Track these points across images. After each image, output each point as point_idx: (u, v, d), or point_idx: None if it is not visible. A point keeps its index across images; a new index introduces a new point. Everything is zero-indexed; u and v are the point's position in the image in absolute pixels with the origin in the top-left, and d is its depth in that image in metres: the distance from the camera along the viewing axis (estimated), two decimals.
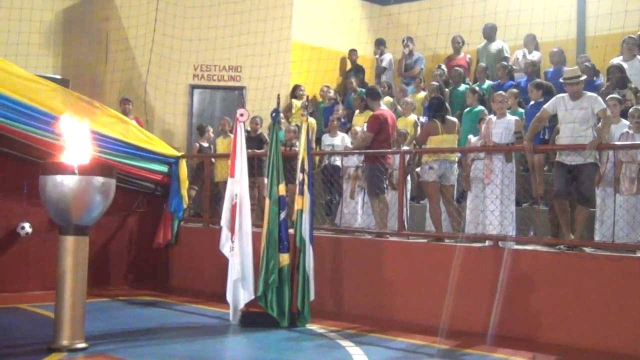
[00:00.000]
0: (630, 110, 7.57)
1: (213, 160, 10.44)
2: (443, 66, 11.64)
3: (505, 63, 10.71)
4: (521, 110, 9.03)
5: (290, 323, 7.21)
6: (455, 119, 8.64)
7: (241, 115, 7.63)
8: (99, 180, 5.83)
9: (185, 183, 10.14)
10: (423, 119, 10.14)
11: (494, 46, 11.55)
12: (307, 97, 8.95)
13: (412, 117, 10.22)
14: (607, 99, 7.70)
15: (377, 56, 13.12)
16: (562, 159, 7.16)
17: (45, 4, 12.89)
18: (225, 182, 8.07)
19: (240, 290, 7.38)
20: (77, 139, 6.04)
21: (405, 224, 8.24)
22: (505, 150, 7.70)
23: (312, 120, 9.38)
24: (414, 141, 9.41)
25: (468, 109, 9.50)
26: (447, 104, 8.74)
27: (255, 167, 9.56)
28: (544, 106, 7.55)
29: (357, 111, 11.19)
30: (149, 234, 9.97)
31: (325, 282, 8.01)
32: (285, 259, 7.31)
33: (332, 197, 9.63)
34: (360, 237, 8.49)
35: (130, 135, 9.62)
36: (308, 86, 12.36)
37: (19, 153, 8.69)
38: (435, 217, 8.16)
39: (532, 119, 7.69)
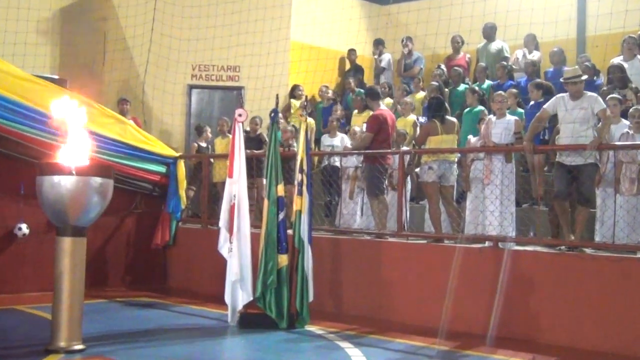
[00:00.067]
0: (631, 110, 7.55)
1: (211, 160, 10.40)
2: (442, 66, 11.63)
3: (505, 63, 10.69)
4: (521, 110, 9.00)
5: (289, 324, 7.18)
6: (454, 119, 8.62)
7: (240, 115, 7.60)
8: (96, 180, 5.82)
9: (183, 184, 10.10)
10: (422, 119, 10.10)
11: (494, 46, 11.53)
12: (306, 97, 8.92)
13: (412, 117, 10.19)
14: (607, 99, 7.67)
15: (376, 56, 13.10)
16: (562, 159, 7.13)
17: (42, 4, 12.87)
18: (223, 183, 8.03)
19: (238, 291, 7.35)
20: (74, 139, 6.01)
21: (405, 225, 8.21)
22: (505, 150, 7.67)
23: (310, 120, 9.36)
24: (414, 141, 9.38)
25: (468, 109, 9.48)
26: (446, 104, 8.71)
27: (254, 168, 9.54)
28: (544, 106, 7.52)
29: (355, 111, 11.17)
30: (147, 235, 9.93)
31: (324, 283, 7.98)
32: (283, 260, 7.28)
33: (331, 198, 9.60)
34: (359, 238, 8.46)
35: (128, 136, 9.58)
36: (307, 86, 12.34)
37: (15, 153, 8.64)
38: (435, 217, 8.13)
39: (532, 119, 7.67)
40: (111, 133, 9.30)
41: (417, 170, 8.61)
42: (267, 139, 9.49)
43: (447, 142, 8.23)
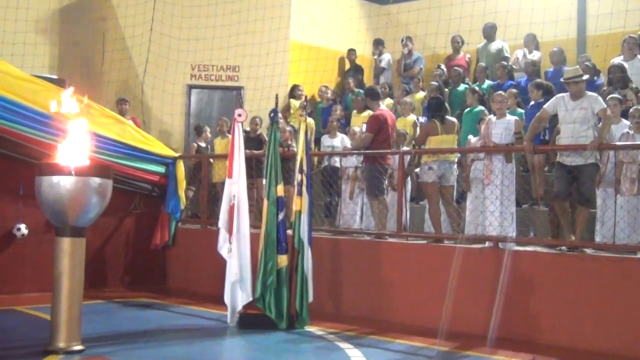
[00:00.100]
0: (631, 110, 7.54)
1: (211, 160, 10.38)
2: (442, 66, 11.61)
3: (505, 63, 10.68)
4: (521, 110, 8.99)
5: (289, 325, 7.17)
6: (454, 119, 8.60)
7: (239, 115, 7.59)
8: (95, 181, 5.80)
9: (182, 184, 10.08)
10: (422, 119, 10.09)
11: (494, 46, 11.52)
12: (306, 97, 8.90)
13: (412, 117, 10.18)
14: (607, 98, 7.66)
15: (375, 56, 13.08)
16: (562, 159, 7.12)
17: (41, 4, 12.83)
18: (223, 183, 8.02)
19: (238, 292, 7.34)
20: (73, 139, 6.00)
21: (405, 225, 8.19)
22: (505, 150, 7.65)
23: (310, 120, 9.34)
24: (413, 142, 9.36)
25: (468, 109, 9.47)
26: (446, 104, 8.70)
27: (253, 168, 9.53)
28: (544, 106, 7.51)
29: (354, 112, 11.15)
30: (146, 236, 9.91)
31: (323, 284, 7.96)
32: (283, 260, 7.27)
33: (331, 198, 9.58)
34: (359, 238, 8.44)
35: (127, 136, 9.56)
36: (306, 86, 12.33)
37: (14, 153, 8.62)
38: (435, 218, 8.11)
39: (532, 119, 7.66)
40: (110, 133, 9.28)
41: (417, 170, 8.60)
42: (266, 139, 9.49)
43: (447, 142, 8.21)
